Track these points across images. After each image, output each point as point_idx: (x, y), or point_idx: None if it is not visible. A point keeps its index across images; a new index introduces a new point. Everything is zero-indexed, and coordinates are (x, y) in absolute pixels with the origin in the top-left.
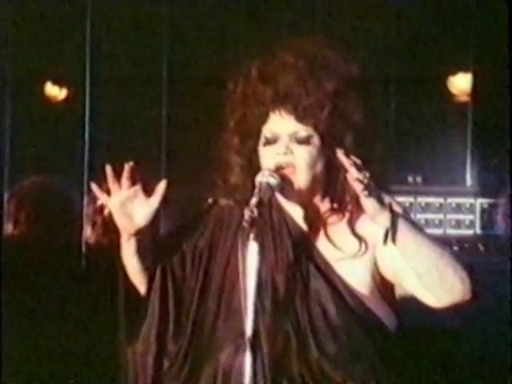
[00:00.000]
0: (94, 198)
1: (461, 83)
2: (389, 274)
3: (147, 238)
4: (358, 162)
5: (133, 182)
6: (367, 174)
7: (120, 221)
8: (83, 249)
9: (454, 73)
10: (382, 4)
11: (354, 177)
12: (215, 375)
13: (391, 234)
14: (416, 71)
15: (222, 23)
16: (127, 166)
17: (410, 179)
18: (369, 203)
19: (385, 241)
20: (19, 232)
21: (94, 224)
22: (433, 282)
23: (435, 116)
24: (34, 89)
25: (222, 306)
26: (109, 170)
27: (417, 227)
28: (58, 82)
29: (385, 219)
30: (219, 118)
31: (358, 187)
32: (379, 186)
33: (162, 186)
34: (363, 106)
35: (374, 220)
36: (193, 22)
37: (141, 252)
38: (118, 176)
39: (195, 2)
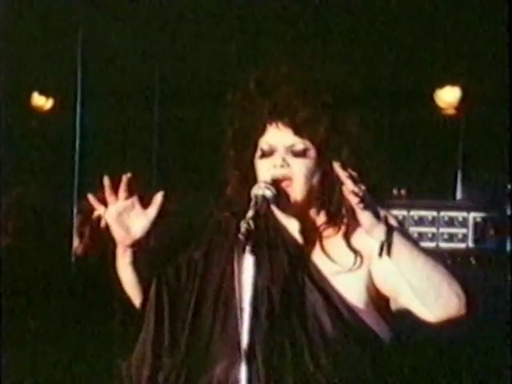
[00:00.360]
0: (81, 209)
1: (449, 97)
2: (384, 287)
3: (143, 250)
4: (355, 174)
5: (130, 194)
6: (363, 187)
7: (117, 232)
8: (72, 259)
9: (441, 86)
10: (374, 19)
11: (350, 189)
12: None
13: (386, 247)
14: (404, 85)
15: (220, 36)
16: (125, 178)
17: (395, 191)
18: (364, 216)
19: (380, 254)
20: (5, 242)
21: (81, 235)
22: (428, 296)
23: (425, 129)
24: (22, 99)
25: (218, 318)
26: (107, 180)
27: (412, 241)
28: (44, 92)
29: (380, 232)
30: (216, 130)
31: (353, 200)
32: (375, 200)
33: (158, 198)
34: (360, 119)
35: (369, 233)
36: (190, 34)
37: (136, 264)
38: (114, 187)
39: (193, 15)
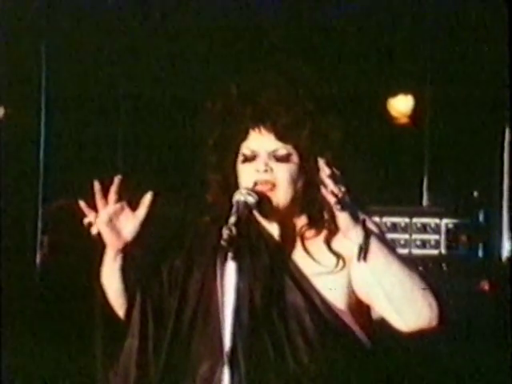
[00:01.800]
0: (43, 217)
1: (401, 105)
2: (361, 293)
3: (132, 256)
4: (338, 174)
5: (120, 197)
6: (342, 189)
7: (108, 237)
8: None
9: (394, 94)
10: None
11: (329, 189)
12: None
13: (363, 251)
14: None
15: (201, 43)
16: (117, 180)
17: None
18: (342, 217)
19: (358, 258)
20: None
21: (41, 244)
22: (401, 304)
23: (389, 137)
24: None
25: (200, 323)
26: (97, 185)
27: (389, 247)
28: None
29: (357, 235)
30: (197, 136)
31: (331, 200)
32: (356, 205)
33: (147, 198)
34: (342, 125)
35: (346, 235)
36: (173, 40)
37: (125, 270)
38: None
39: (174, 20)
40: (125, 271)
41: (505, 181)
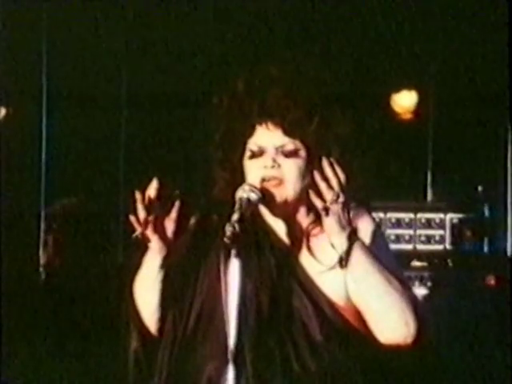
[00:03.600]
0: (46, 217)
1: (405, 101)
2: (351, 295)
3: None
4: (340, 176)
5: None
6: (332, 196)
7: (158, 245)
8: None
9: (398, 90)
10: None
11: (322, 191)
12: None
13: (343, 260)
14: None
15: (210, 37)
16: (155, 184)
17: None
18: (327, 223)
19: (339, 265)
20: None
21: (45, 244)
22: (377, 317)
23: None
24: None
25: (205, 322)
26: (138, 195)
27: (373, 260)
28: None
29: (340, 244)
30: (204, 132)
31: (318, 204)
32: (362, 201)
33: (176, 199)
34: (350, 120)
35: (329, 239)
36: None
37: (166, 282)
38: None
39: (181, 17)
40: (166, 283)
41: (509, 175)
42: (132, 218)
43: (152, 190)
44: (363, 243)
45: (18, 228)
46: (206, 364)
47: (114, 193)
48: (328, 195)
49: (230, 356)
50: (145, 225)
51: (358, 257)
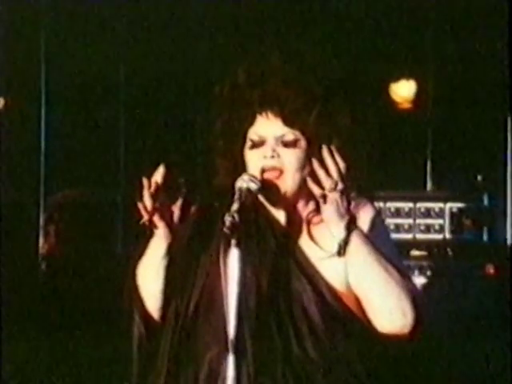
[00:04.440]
0: (47, 207)
1: (404, 90)
2: (352, 281)
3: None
4: (340, 165)
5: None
6: (331, 184)
7: (165, 232)
8: (39, 259)
9: (396, 80)
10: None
11: (320, 178)
12: (199, 377)
13: (342, 249)
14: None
15: (210, 27)
16: (162, 170)
17: None
18: (325, 211)
19: (337, 254)
20: None
21: (47, 234)
22: (375, 306)
23: (393, 122)
24: None
25: (205, 310)
26: (146, 182)
27: (372, 249)
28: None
29: (338, 232)
30: (205, 121)
31: (316, 192)
32: (363, 191)
33: (182, 187)
34: (350, 110)
35: (328, 227)
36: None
37: (170, 269)
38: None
39: (182, 7)
40: (170, 270)
41: (509, 164)
42: (140, 205)
43: (159, 176)
44: (362, 232)
45: (18, 218)
46: (206, 351)
47: (114, 183)
48: (326, 183)
49: (229, 343)
50: (152, 211)
51: (356, 246)
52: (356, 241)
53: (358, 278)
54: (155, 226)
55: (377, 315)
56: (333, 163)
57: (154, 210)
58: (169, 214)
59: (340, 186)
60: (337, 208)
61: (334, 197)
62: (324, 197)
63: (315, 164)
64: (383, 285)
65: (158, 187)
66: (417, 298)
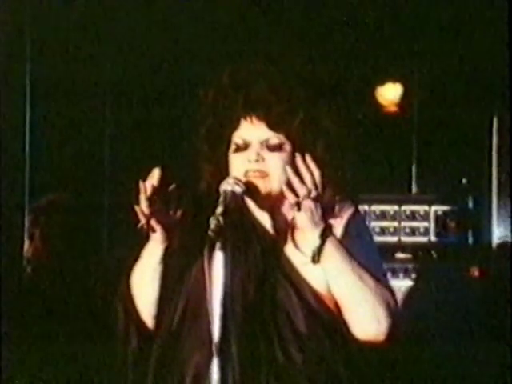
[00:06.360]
0: (32, 210)
1: (389, 93)
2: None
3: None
4: (315, 173)
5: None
6: (304, 192)
7: (161, 233)
8: (24, 262)
9: (382, 83)
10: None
11: (295, 186)
12: (186, 380)
13: (316, 256)
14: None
15: (196, 31)
16: (157, 173)
17: None
18: (299, 218)
19: (311, 260)
20: None
21: (31, 237)
22: (349, 313)
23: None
24: None
25: (190, 315)
26: (142, 185)
27: (347, 257)
28: None
29: (313, 239)
30: (189, 125)
31: (291, 199)
32: (348, 194)
33: (174, 192)
34: (334, 113)
35: (303, 233)
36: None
37: (165, 273)
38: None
39: (167, 11)
40: (165, 275)
41: (493, 167)
42: (136, 209)
43: (155, 179)
44: (337, 240)
45: (2, 222)
46: (192, 355)
47: (100, 186)
48: (301, 190)
49: (214, 347)
50: (149, 215)
51: (331, 253)
52: (330, 248)
53: (333, 285)
54: (153, 230)
55: (353, 321)
56: (307, 171)
57: (151, 213)
58: (166, 217)
59: (314, 193)
60: (311, 216)
61: (308, 204)
62: (298, 204)
63: (289, 172)
64: (357, 292)
65: (154, 191)
66: (391, 306)
